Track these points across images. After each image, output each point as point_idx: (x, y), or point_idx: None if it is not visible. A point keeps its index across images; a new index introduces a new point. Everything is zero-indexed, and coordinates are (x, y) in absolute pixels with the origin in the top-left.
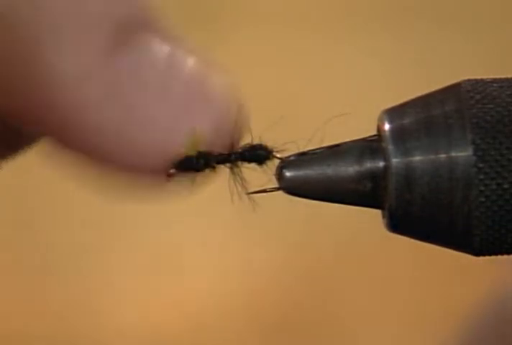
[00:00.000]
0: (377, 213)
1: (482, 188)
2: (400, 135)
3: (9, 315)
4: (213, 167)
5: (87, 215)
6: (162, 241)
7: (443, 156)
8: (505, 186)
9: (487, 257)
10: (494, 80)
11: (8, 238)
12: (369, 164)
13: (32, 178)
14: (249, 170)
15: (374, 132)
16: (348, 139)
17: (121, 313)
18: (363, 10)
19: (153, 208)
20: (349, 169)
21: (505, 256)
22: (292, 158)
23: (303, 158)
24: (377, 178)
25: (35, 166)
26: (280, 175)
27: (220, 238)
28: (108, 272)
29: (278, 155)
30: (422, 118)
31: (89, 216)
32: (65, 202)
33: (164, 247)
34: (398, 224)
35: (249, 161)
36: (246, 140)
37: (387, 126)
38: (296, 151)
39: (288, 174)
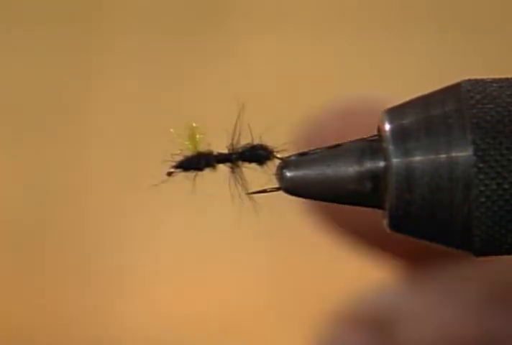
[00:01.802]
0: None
1: (483, 188)
2: (400, 135)
3: (15, 314)
4: (214, 167)
5: (98, 216)
6: (168, 241)
7: (443, 156)
8: (506, 186)
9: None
10: (494, 80)
11: (21, 238)
12: (369, 165)
13: (47, 181)
14: (249, 170)
15: (374, 132)
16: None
17: (131, 313)
18: (363, 10)
19: (160, 208)
20: (349, 169)
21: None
22: (292, 158)
23: (303, 158)
24: (377, 178)
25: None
26: (280, 175)
27: (224, 236)
28: (116, 272)
29: (278, 155)
30: (422, 118)
31: (100, 217)
32: (77, 202)
33: (170, 247)
34: (398, 224)
35: (250, 161)
36: (246, 140)
37: (387, 126)
38: (296, 151)
39: (288, 174)
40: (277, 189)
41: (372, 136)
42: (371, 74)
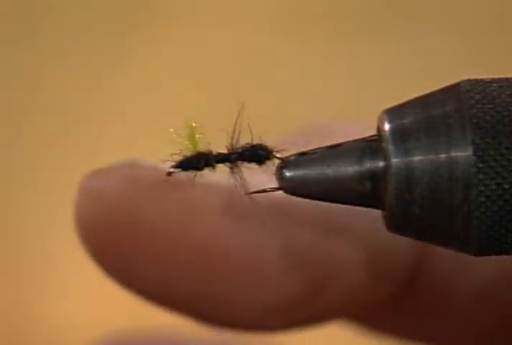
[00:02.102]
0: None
1: (482, 188)
2: (400, 135)
3: None
4: (213, 167)
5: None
6: None
7: (443, 156)
8: (505, 186)
9: None
10: (494, 80)
11: None
12: (369, 165)
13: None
14: (250, 170)
15: (374, 132)
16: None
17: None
18: (363, 10)
19: None
20: (349, 169)
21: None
22: (292, 158)
23: (303, 158)
24: (377, 178)
25: None
26: (279, 175)
27: None
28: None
29: (278, 155)
30: (422, 118)
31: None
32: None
33: None
34: (397, 224)
35: (249, 161)
36: (246, 140)
37: (387, 126)
38: (296, 151)
39: (287, 174)
40: (277, 189)
41: (371, 136)
42: (370, 74)
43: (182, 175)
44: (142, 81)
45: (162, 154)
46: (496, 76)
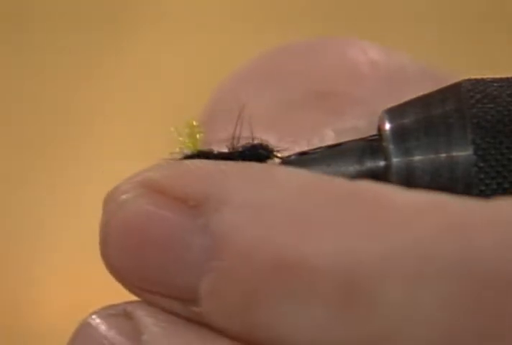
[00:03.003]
0: None
1: (483, 188)
2: (400, 135)
3: None
4: None
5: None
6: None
7: (443, 155)
8: (506, 185)
9: None
10: (494, 80)
11: None
12: (369, 164)
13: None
14: None
15: (374, 132)
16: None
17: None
18: (364, 10)
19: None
20: (349, 168)
21: None
22: (292, 158)
23: (303, 158)
24: (377, 178)
25: None
26: None
27: None
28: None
29: (279, 155)
30: (422, 117)
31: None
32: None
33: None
34: None
35: (250, 160)
36: (246, 140)
37: (387, 126)
38: (296, 151)
39: None
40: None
41: (372, 136)
42: None
43: None
44: (130, 81)
45: (160, 153)
46: (496, 76)
